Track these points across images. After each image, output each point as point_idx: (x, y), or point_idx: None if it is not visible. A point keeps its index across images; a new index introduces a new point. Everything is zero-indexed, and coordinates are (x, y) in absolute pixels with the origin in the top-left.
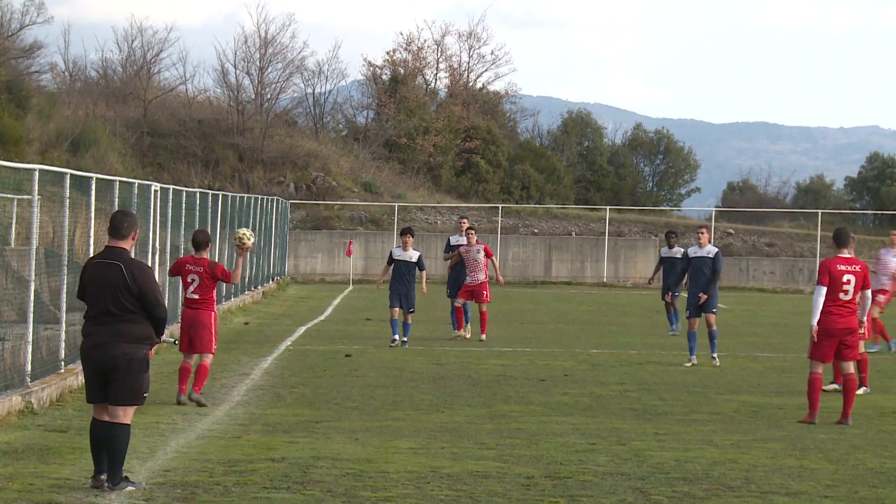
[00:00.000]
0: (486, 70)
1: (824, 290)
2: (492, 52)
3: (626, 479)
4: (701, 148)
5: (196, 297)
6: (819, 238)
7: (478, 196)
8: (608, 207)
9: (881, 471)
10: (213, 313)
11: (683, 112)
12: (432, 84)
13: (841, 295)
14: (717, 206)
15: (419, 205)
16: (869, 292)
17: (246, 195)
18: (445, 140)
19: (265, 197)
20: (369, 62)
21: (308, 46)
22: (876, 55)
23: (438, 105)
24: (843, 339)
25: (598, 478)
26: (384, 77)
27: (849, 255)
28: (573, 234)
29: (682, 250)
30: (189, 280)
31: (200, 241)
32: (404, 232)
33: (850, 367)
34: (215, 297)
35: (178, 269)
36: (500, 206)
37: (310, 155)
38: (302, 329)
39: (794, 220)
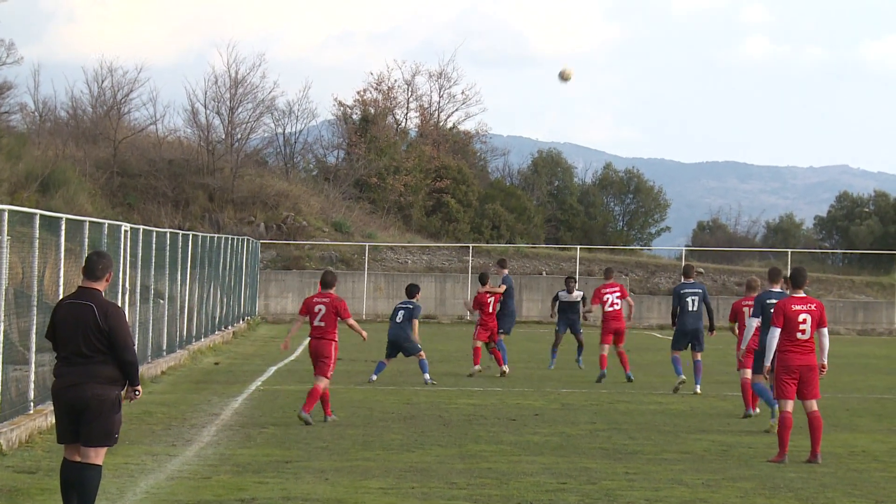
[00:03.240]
0: (456, 110)
1: (778, 331)
2: (462, 92)
3: None
4: (671, 187)
5: (322, 325)
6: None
7: (448, 236)
8: (578, 247)
9: None
10: (333, 343)
11: (654, 151)
12: (403, 124)
13: (798, 334)
14: (687, 246)
15: (390, 244)
16: (826, 330)
17: (216, 235)
18: (416, 180)
19: (236, 237)
20: (340, 102)
21: (278, 86)
22: (845, 95)
23: (409, 145)
24: (803, 376)
25: None
26: (354, 117)
27: (803, 295)
28: (543, 273)
29: (581, 293)
30: (316, 311)
31: (328, 281)
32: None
33: (814, 405)
34: (336, 330)
35: (306, 306)
36: (470, 245)
37: (280, 195)
38: (272, 369)
39: (763, 259)
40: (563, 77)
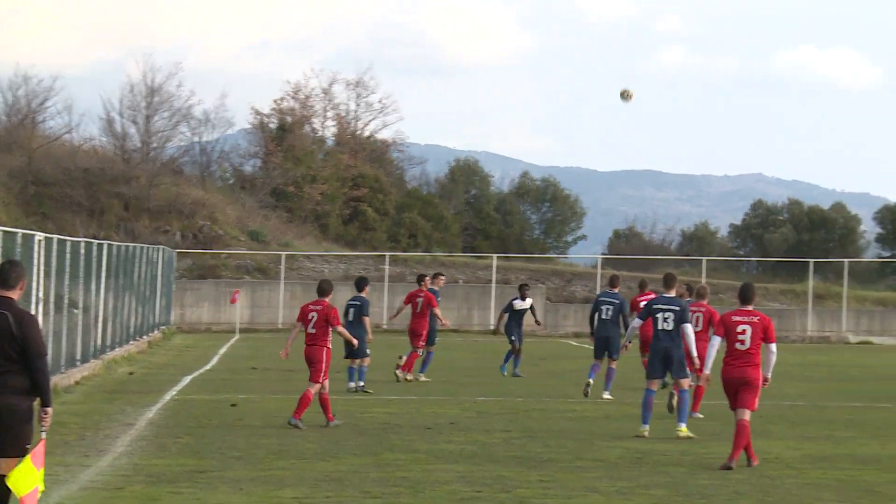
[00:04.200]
0: (373, 118)
1: (718, 340)
2: (379, 101)
3: None
4: (587, 195)
5: (314, 331)
6: (703, 282)
7: (365, 244)
8: (495, 255)
9: None
10: (325, 349)
11: (570, 160)
12: (320, 132)
13: (737, 345)
14: (603, 254)
15: (306, 253)
16: (773, 346)
17: (131, 244)
18: (333, 188)
19: (151, 246)
20: (256, 111)
21: (195, 95)
22: (759, 104)
23: (326, 153)
24: (739, 388)
25: None
26: (271, 125)
27: (749, 308)
28: (460, 281)
29: (531, 300)
30: (309, 318)
31: (324, 289)
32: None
33: (745, 413)
34: (329, 336)
35: (302, 313)
36: (387, 254)
37: (196, 203)
38: (187, 379)
39: (679, 266)
40: (625, 97)
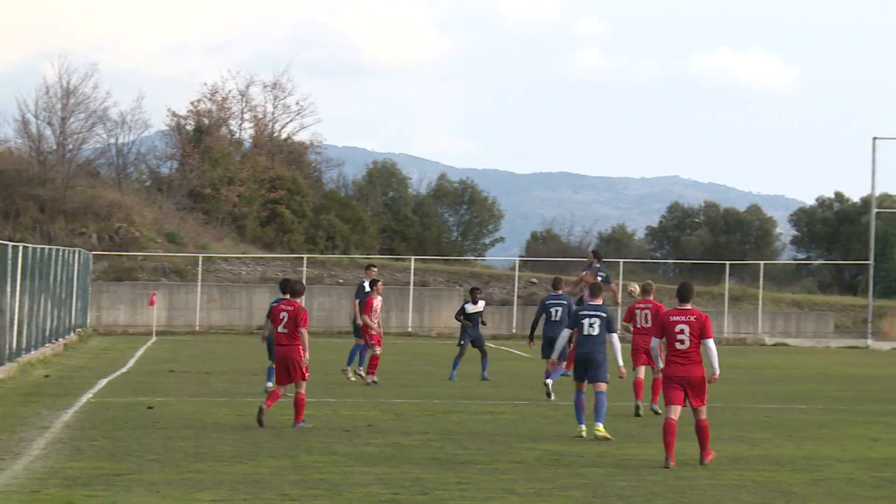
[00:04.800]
0: (291, 120)
1: (657, 341)
2: (297, 103)
3: None
4: (505, 198)
5: (286, 331)
6: (620, 286)
7: (283, 246)
8: (413, 257)
9: None
10: (299, 348)
11: (488, 162)
12: (237, 134)
13: (676, 344)
14: (520, 256)
15: (224, 255)
16: (710, 342)
17: (47, 247)
18: (250, 190)
19: (67, 248)
20: (173, 112)
21: (111, 96)
22: (676, 107)
23: (243, 155)
24: (687, 385)
25: None
26: (188, 127)
27: (687, 307)
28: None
29: (483, 303)
30: (280, 318)
31: (297, 290)
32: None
33: (699, 413)
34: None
35: (273, 313)
36: (304, 256)
37: (113, 205)
38: (103, 381)
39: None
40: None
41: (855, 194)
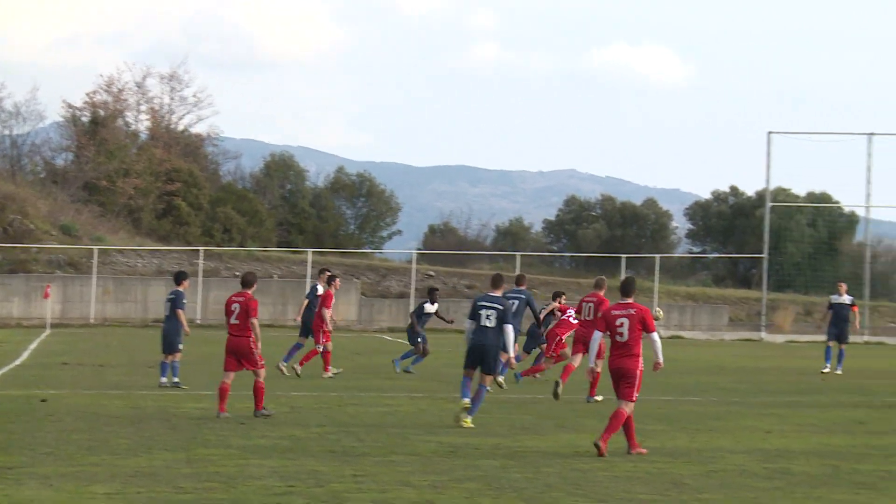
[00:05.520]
0: (188, 112)
1: (599, 334)
2: (194, 95)
3: None
4: (403, 191)
5: (237, 322)
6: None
7: (179, 239)
8: (310, 250)
9: None
10: (250, 339)
11: (386, 155)
12: (133, 126)
13: (616, 337)
14: (418, 249)
15: (119, 248)
16: (654, 335)
17: None
18: (146, 182)
19: None
20: (69, 104)
21: (5, 88)
22: (573, 101)
23: (139, 147)
24: (619, 376)
25: None
26: (84, 119)
27: (628, 302)
28: (275, 276)
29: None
30: (232, 309)
31: (248, 281)
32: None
33: (624, 404)
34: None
35: (226, 304)
36: (201, 248)
37: (6, 198)
38: None
39: (493, 261)
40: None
41: (750, 188)
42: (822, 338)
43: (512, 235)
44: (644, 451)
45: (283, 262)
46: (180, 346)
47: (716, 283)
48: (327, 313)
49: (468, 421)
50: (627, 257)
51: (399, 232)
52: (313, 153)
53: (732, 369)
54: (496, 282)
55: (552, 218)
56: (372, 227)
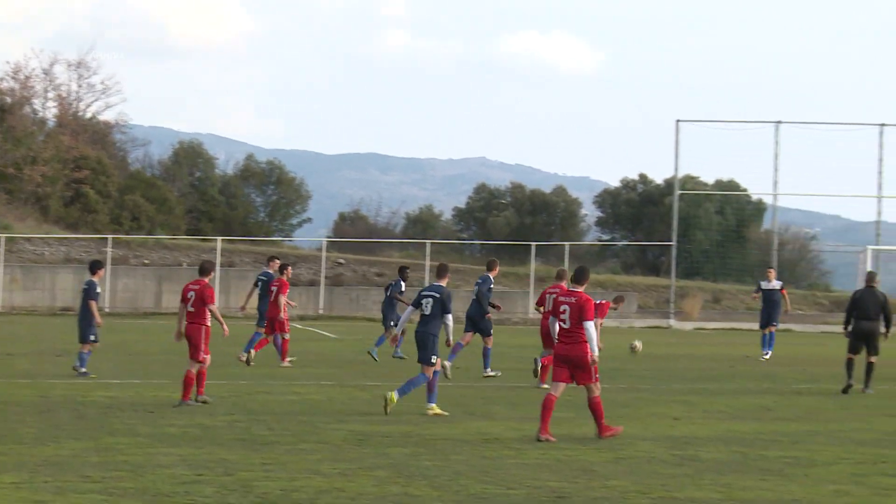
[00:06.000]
0: (96, 100)
1: (553, 320)
2: (102, 82)
3: None
4: (313, 178)
5: (193, 310)
6: (428, 268)
7: (87, 226)
8: (219, 238)
9: (483, 496)
10: (203, 327)
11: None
12: (40, 113)
13: (561, 324)
14: (328, 237)
15: (27, 236)
16: (589, 324)
17: None
18: (54, 170)
19: None
20: None
21: None
22: (483, 88)
23: (47, 135)
24: (571, 367)
25: None
26: None
27: (575, 290)
28: (184, 264)
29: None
30: (188, 297)
31: (205, 268)
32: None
33: (588, 390)
34: (207, 315)
35: (182, 292)
36: (109, 236)
37: None
38: None
39: (403, 249)
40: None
41: (658, 176)
42: (730, 325)
43: (422, 223)
44: (620, 429)
45: (192, 250)
46: (91, 337)
47: (625, 271)
48: (284, 300)
49: (434, 408)
50: (537, 245)
51: (309, 220)
52: (223, 140)
53: (641, 356)
54: (440, 271)
55: (462, 206)
56: (282, 214)
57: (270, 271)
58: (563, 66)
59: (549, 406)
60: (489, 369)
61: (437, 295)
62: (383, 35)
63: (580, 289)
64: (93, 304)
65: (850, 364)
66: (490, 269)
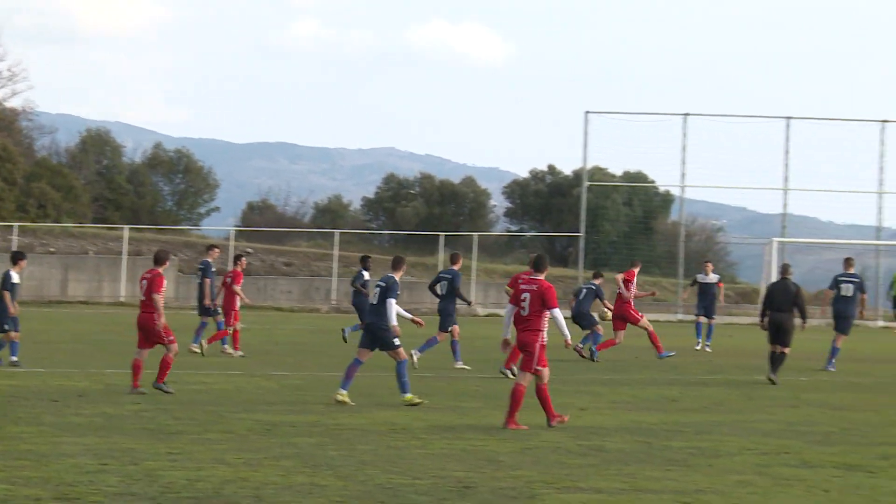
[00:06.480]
0: (2, 87)
1: (509, 307)
2: (8, 69)
3: (136, 500)
4: (221, 167)
5: (144, 299)
6: (336, 257)
7: None
8: (127, 226)
9: (388, 486)
10: (154, 315)
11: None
12: None
13: (520, 311)
14: (236, 226)
15: None
16: (555, 311)
17: None
18: None
19: None
20: None
21: None
22: (393, 78)
23: None
24: (522, 352)
25: (108, 498)
26: None
27: (536, 278)
28: (91, 253)
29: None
30: (142, 285)
31: (160, 258)
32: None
33: (536, 378)
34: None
35: (140, 280)
36: (15, 224)
37: None
38: None
39: (311, 239)
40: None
41: (567, 167)
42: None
43: (331, 213)
44: (566, 418)
45: (99, 239)
46: (6, 328)
47: None
48: (239, 290)
49: (409, 397)
50: (446, 235)
51: (217, 209)
52: (131, 129)
53: (548, 347)
54: (395, 263)
55: (371, 195)
56: (190, 203)
57: (209, 260)
58: (473, 56)
59: (518, 397)
60: (460, 361)
61: (383, 284)
62: (293, 24)
63: (541, 276)
64: (7, 294)
65: (772, 356)
66: (454, 262)
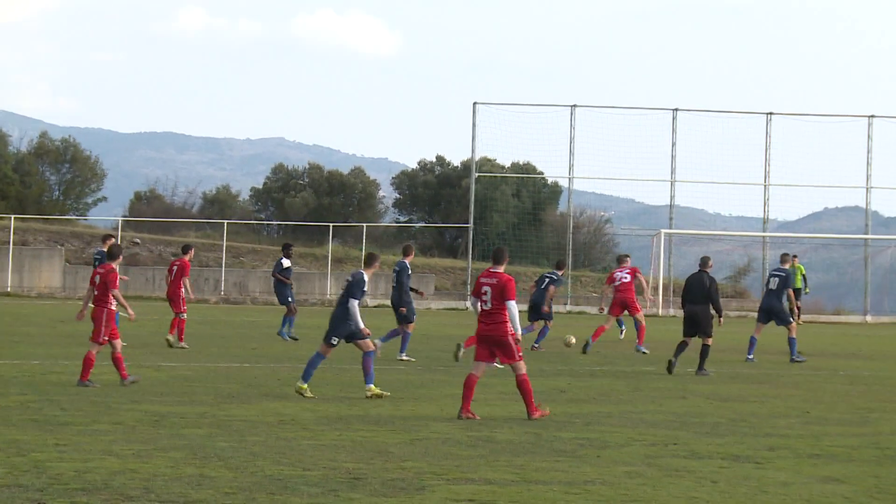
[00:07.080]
0: None
1: (471, 299)
2: None
3: (24, 491)
4: (108, 157)
5: (97, 293)
6: (224, 248)
7: None
8: (13, 216)
9: (279, 477)
10: (105, 309)
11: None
12: None
13: (482, 305)
14: (123, 216)
15: None
16: (511, 303)
17: None
18: None
19: None
20: None
21: None
22: (280, 69)
23: None
24: (492, 346)
25: None
26: None
27: (496, 271)
28: None
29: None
30: (95, 279)
31: (114, 253)
32: None
33: (514, 369)
34: (110, 297)
35: (92, 275)
36: None
37: None
38: None
39: (200, 229)
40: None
41: (456, 158)
42: (524, 307)
43: (219, 203)
44: (547, 412)
45: None
46: None
47: (422, 253)
48: (188, 283)
49: (374, 389)
50: (335, 226)
51: (104, 199)
52: (16, 118)
53: (437, 337)
54: (368, 260)
55: (260, 186)
56: (76, 193)
57: (104, 249)
58: (361, 46)
59: (470, 385)
60: (405, 353)
61: (349, 279)
62: (180, 13)
63: (500, 269)
64: None
65: (680, 345)
66: (406, 254)
